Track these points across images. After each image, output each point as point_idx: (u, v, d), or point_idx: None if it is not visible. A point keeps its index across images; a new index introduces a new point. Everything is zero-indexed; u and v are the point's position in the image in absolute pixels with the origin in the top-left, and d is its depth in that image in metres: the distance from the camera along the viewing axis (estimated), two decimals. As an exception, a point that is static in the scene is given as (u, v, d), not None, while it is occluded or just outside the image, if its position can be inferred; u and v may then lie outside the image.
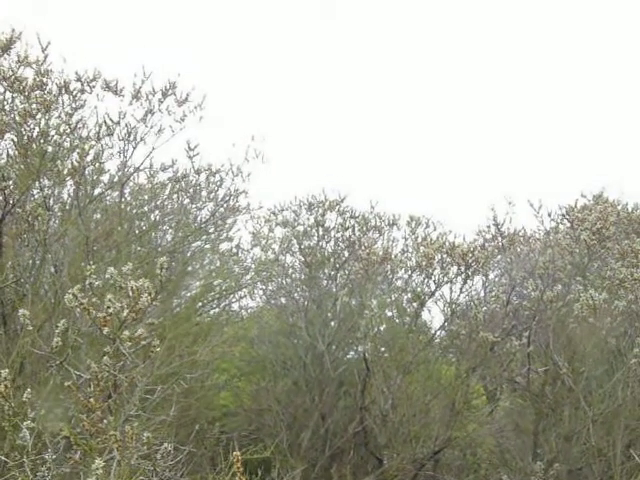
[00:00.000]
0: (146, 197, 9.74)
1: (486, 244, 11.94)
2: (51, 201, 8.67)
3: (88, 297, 5.19)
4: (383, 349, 11.86)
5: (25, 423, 4.94)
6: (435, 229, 12.19)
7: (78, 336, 5.90)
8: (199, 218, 10.04)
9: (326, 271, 12.31)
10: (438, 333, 12.28)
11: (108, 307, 5.01)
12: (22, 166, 8.08)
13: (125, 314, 5.07)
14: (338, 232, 12.22)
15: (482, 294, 11.85)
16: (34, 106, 8.21)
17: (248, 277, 11.38)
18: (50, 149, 8.22)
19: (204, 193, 9.89)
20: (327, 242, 12.30)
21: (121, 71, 9.11)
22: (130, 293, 5.07)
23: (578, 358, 10.63)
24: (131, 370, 5.26)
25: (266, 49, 20.99)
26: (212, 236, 10.46)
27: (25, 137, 8.00)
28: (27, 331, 6.39)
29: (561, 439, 10.47)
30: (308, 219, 12.20)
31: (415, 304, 11.82)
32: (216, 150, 9.75)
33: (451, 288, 11.77)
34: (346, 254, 12.19)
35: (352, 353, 12.65)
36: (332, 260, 12.23)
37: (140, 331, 5.10)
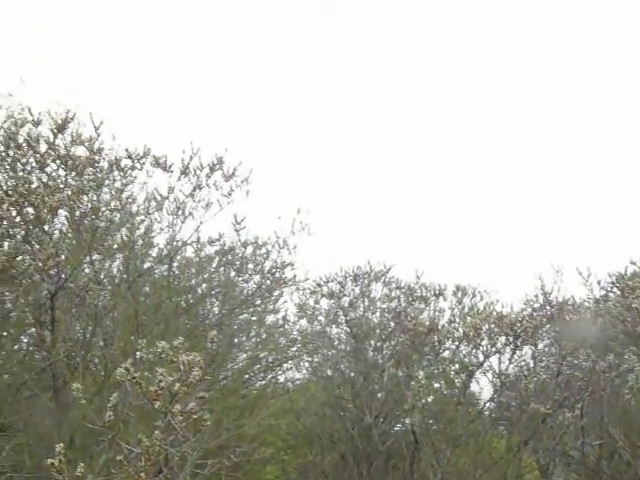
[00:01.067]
0: (193, 270, 9.85)
1: (534, 313, 11.78)
2: (101, 275, 8.82)
3: (140, 371, 5.23)
4: (431, 421, 11.68)
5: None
6: (482, 299, 12.11)
7: (129, 410, 5.92)
8: (245, 290, 10.11)
9: (372, 342, 12.24)
10: (487, 405, 12.09)
11: (160, 381, 5.04)
12: (74, 241, 8.25)
13: (176, 388, 5.08)
14: (384, 303, 12.20)
15: (531, 364, 11.67)
16: (86, 183, 8.43)
17: (294, 349, 11.36)
18: (101, 224, 8.40)
19: (250, 266, 9.98)
20: (373, 313, 12.28)
21: (167, 143, 9.33)
22: (181, 367, 5.10)
23: (635, 431, 10.36)
24: (182, 444, 5.25)
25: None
26: (258, 308, 10.51)
27: (77, 213, 8.19)
28: (79, 404, 6.44)
29: (620, 515, 10.14)
30: (353, 290, 12.20)
31: (463, 375, 11.66)
32: (261, 221, 9.87)
33: (500, 359, 11.64)
34: (392, 325, 12.12)
35: (399, 426, 12.48)
36: (378, 331, 12.17)
37: (191, 405, 5.10)
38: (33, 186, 8.25)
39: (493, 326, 11.34)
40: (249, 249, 9.78)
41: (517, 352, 11.38)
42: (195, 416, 5.11)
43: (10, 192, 8.12)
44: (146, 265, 9.15)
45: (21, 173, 8.54)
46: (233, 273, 9.97)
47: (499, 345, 11.56)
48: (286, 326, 11.38)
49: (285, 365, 11.53)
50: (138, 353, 5.50)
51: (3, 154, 8.54)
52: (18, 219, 8.21)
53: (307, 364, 12.50)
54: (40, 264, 7.85)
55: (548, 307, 11.74)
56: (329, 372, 12.44)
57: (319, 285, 12.19)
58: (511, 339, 11.21)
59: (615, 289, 11.34)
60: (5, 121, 8.49)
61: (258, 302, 10.46)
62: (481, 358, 11.44)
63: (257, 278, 10.06)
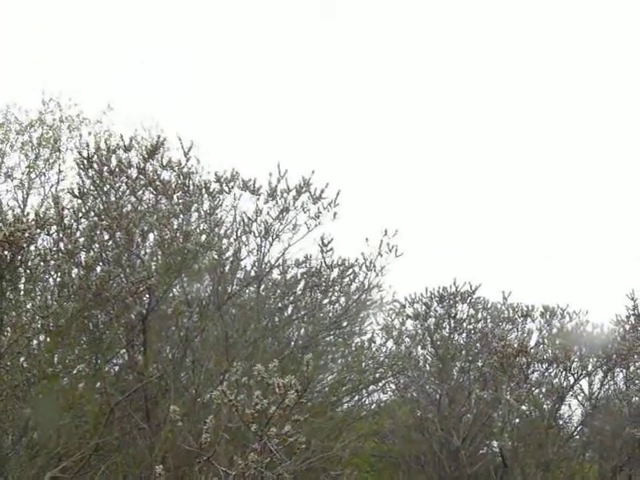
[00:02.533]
0: (280, 292, 9.89)
1: (627, 335, 11.46)
2: (191, 297, 8.94)
3: (235, 394, 5.27)
4: (520, 444, 11.46)
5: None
6: (571, 320, 11.85)
7: (223, 432, 5.97)
8: (332, 313, 10.10)
9: (458, 364, 12.09)
10: (579, 429, 11.80)
11: (256, 404, 5.07)
12: (165, 265, 8.40)
13: (272, 411, 5.11)
14: (470, 324, 12.04)
15: (623, 387, 11.35)
16: (176, 207, 8.59)
17: (381, 371, 11.28)
18: (191, 247, 8.52)
19: (337, 287, 9.96)
20: (459, 334, 12.13)
21: (252, 165, 9.44)
22: (277, 390, 5.12)
23: None
24: (277, 466, 5.26)
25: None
26: (345, 330, 10.48)
27: (168, 236, 8.34)
28: (172, 425, 6.53)
29: None
30: (438, 311, 12.08)
31: (553, 398, 11.42)
32: (347, 242, 9.87)
33: (590, 381, 11.36)
34: (479, 346, 11.95)
35: (487, 449, 12.29)
36: (464, 352, 12.01)
37: (287, 428, 5.12)
38: (125, 210, 8.45)
39: (583, 348, 11.09)
40: (335, 271, 9.76)
41: (609, 374, 11.09)
42: (291, 439, 5.13)
43: (103, 216, 8.33)
44: (234, 287, 9.23)
45: (113, 198, 8.76)
46: (320, 295, 9.97)
47: (590, 367, 11.29)
48: (372, 348, 11.32)
49: (371, 387, 11.47)
50: (231, 375, 5.56)
51: (97, 180, 8.78)
52: (110, 243, 8.41)
53: (393, 386, 12.41)
54: (132, 287, 8.01)
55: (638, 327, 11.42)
56: (415, 394, 12.32)
57: (404, 306, 12.11)
58: (603, 361, 10.93)
59: None
60: (97, 148, 8.73)
61: (344, 324, 10.43)
62: (571, 381, 11.20)
63: (343, 300, 10.02)
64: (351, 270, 9.59)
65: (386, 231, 9.09)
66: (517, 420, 11.57)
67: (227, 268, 9.04)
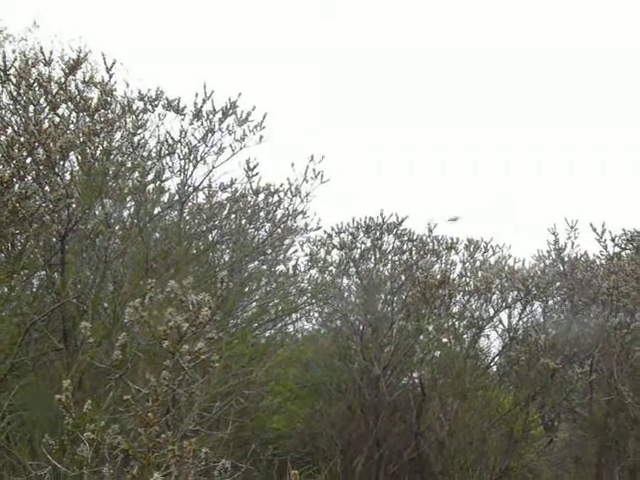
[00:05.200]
0: (204, 217, 9.78)
1: (546, 269, 11.70)
2: (112, 219, 8.76)
3: (148, 311, 5.19)
4: (439, 375, 11.69)
5: (85, 434, 4.93)
6: (494, 253, 12.04)
7: (137, 350, 5.90)
8: (257, 239, 10.05)
9: (382, 295, 12.19)
10: (496, 359, 12.08)
11: (168, 320, 5.00)
12: (85, 184, 8.18)
13: (185, 328, 5.05)
14: (395, 255, 12.11)
15: (542, 320, 11.62)
16: (98, 125, 8.33)
17: (304, 299, 11.33)
18: (113, 168, 8.31)
19: (262, 214, 9.90)
20: (384, 265, 12.20)
21: (179, 87, 9.21)
22: (190, 307, 5.05)
23: (643, 387, 10.34)
24: (190, 385, 5.22)
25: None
26: (269, 257, 10.46)
27: (89, 156, 8.10)
28: (87, 345, 6.44)
29: (625, 473, 10.15)
30: (365, 242, 12.11)
31: (473, 329, 11.64)
32: (274, 169, 9.78)
33: (510, 314, 11.60)
34: (403, 278, 12.05)
35: (407, 378, 12.50)
36: (389, 284, 12.11)
37: (199, 345, 5.07)
38: (44, 127, 8.15)
39: (504, 281, 11.28)
40: (261, 196, 9.68)
41: (528, 307, 11.33)
42: (203, 357, 5.08)
43: (21, 132, 8.03)
44: (157, 210, 9.08)
45: (32, 113, 8.44)
46: (244, 221, 9.89)
47: (510, 300, 11.52)
48: (296, 276, 11.34)
49: (294, 315, 11.52)
50: (147, 294, 5.46)
51: (14, 94, 8.44)
52: (29, 160, 8.13)
53: (317, 314, 12.50)
54: (50, 205, 7.79)
55: (560, 263, 11.68)
56: (338, 323, 12.42)
57: (330, 236, 12.11)
58: (522, 294, 11.15)
59: (630, 246, 11.25)
60: (15, 59, 8.39)
61: (269, 251, 10.40)
62: (491, 312, 11.41)
63: (268, 226, 9.97)
64: (276, 195, 9.51)
65: (312, 157, 9.02)
66: (438, 351, 11.74)
67: (150, 190, 8.86)
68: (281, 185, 9.46)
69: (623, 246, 11.46)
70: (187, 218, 9.62)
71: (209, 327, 5.33)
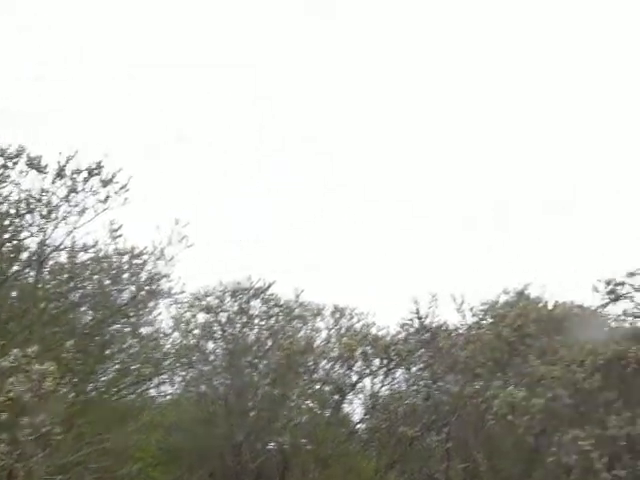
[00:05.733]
0: (65, 277, 9.49)
1: (409, 337, 11.95)
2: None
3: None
4: (302, 442, 11.66)
5: None
6: (359, 321, 12.18)
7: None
8: (119, 300, 9.81)
9: (248, 359, 12.12)
10: (359, 426, 12.17)
11: (9, 391, 4.80)
12: None
13: (27, 398, 4.86)
14: (262, 320, 12.10)
15: (404, 387, 11.82)
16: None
17: (167, 363, 11.10)
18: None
19: (126, 275, 9.70)
20: (251, 330, 12.15)
21: (44, 145, 8.98)
22: (33, 376, 4.88)
23: (497, 455, 10.61)
24: (30, 459, 5.01)
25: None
26: (132, 319, 10.21)
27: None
28: None
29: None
30: (232, 306, 12.05)
31: (336, 396, 11.71)
32: (140, 231, 9.63)
33: (373, 380, 11.75)
34: (269, 343, 12.05)
35: (273, 444, 12.40)
36: (255, 349, 12.07)
37: (41, 417, 4.88)
38: None
39: (368, 348, 11.45)
40: (125, 258, 9.49)
41: (390, 375, 11.51)
42: (44, 429, 4.90)
43: None
44: (14, 269, 8.75)
45: None
46: (108, 281, 9.65)
47: (373, 367, 11.68)
48: (160, 339, 11.12)
49: (156, 380, 11.26)
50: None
51: None
52: None
53: (180, 378, 12.25)
54: None
55: (423, 332, 11.94)
56: (203, 387, 12.23)
57: (197, 299, 11.99)
58: (385, 362, 11.34)
59: (487, 317, 11.64)
60: None
61: (132, 313, 10.16)
62: (354, 379, 11.54)
63: (132, 288, 9.76)
64: (141, 258, 9.36)
65: (177, 220, 8.95)
66: (301, 417, 11.73)
67: (7, 248, 8.54)
68: (145, 247, 9.32)
69: (481, 317, 11.86)
70: (47, 278, 9.31)
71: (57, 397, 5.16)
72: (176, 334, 11.28)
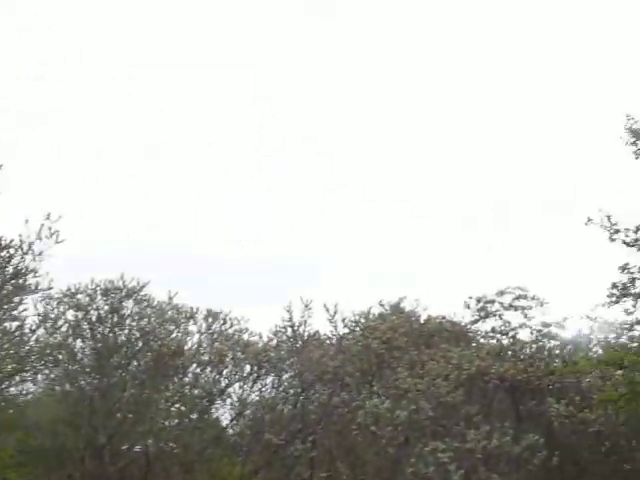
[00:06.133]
0: None
1: (281, 345, 11.99)
2: None
3: None
4: (171, 444, 11.53)
5: None
6: (232, 325, 12.11)
7: None
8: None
9: (117, 360, 11.87)
10: (227, 431, 12.12)
11: None
12: None
13: None
14: (134, 321, 11.87)
15: (273, 394, 11.84)
16: None
17: (31, 359, 10.74)
18: None
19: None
20: (121, 330, 11.90)
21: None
22: None
23: (360, 465, 10.76)
24: None
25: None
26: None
27: None
28: None
29: None
30: (104, 305, 11.77)
31: (205, 400, 11.62)
32: (6, 223, 9.31)
33: (242, 386, 11.72)
34: (140, 344, 11.84)
35: (139, 447, 12.19)
36: (125, 349, 11.83)
37: None
38: None
39: (239, 353, 11.43)
40: (-10, 250, 9.14)
41: (259, 381, 11.52)
42: None
43: None
44: None
45: None
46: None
47: (244, 373, 11.66)
48: (24, 336, 10.73)
49: (18, 377, 10.87)
50: None
51: None
52: None
53: (44, 377, 11.87)
54: None
55: (294, 340, 12.00)
56: (67, 387, 11.89)
57: (67, 295, 11.66)
58: (255, 368, 11.34)
59: (358, 328, 11.81)
60: None
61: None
62: (224, 384, 11.48)
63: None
64: (6, 252, 9.04)
65: (49, 215, 8.70)
66: (168, 420, 11.60)
67: None
68: (11, 241, 9.00)
69: (352, 328, 12.02)
70: None
71: None
72: (40, 331, 10.93)
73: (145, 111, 22.20)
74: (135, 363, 11.87)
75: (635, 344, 9.50)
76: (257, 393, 11.66)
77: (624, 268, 9.64)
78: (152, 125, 21.32)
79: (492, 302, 18.10)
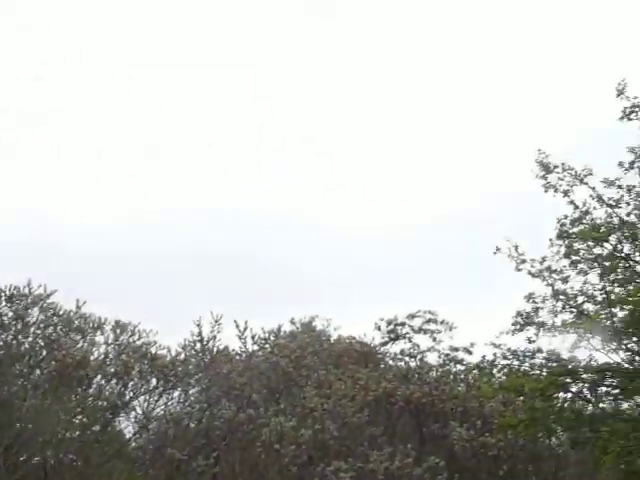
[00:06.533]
0: None
1: (189, 359, 11.88)
2: None
3: None
4: (71, 457, 11.27)
5: None
6: (140, 338, 11.92)
7: None
8: None
9: (19, 368, 11.56)
10: (130, 444, 11.92)
11: None
12: None
13: None
14: (39, 329, 11.58)
15: (179, 409, 11.72)
16: None
17: None
18: None
19: None
20: (25, 338, 11.59)
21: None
22: None
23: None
24: None
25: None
26: None
27: None
28: None
29: None
30: (8, 311, 11.45)
31: (109, 413, 11.42)
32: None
33: (148, 399, 11.56)
34: (44, 353, 11.56)
35: (38, 459, 11.87)
36: (28, 358, 11.53)
37: None
38: None
39: (146, 366, 11.28)
40: None
41: (166, 395, 11.39)
42: None
43: None
44: None
45: None
46: None
47: (150, 386, 11.51)
48: None
49: None
50: None
51: None
52: None
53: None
54: None
55: (203, 354, 11.90)
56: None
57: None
58: (162, 382, 11.21)
59: (267, 345, 11.82)
60: None
61: None
62: (129, 397, 11.30)
63: None
64: None
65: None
66: (69, 432, 11.34)
67: None
68: None
69: (261, 345, 12.02)
70: None
71: None
72: None
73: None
74: (38, 372, 11.57)
75: (536, 372, 9.75)
76: (163, 407, 11.48)
77: (529, 297, 9.89)
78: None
79: (402, 325, 18.40)
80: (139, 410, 11.49)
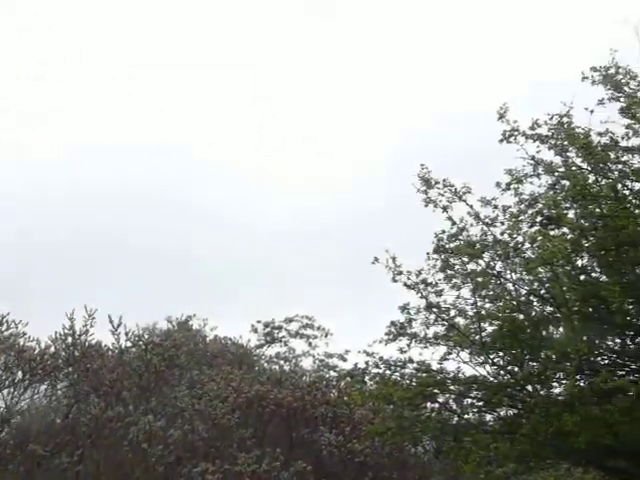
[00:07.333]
0: None
1: (59, 353, 11.53)
2: None
3: None
4: None
5: None
6: (9, 328, 11.48)
7: None
8: None
9: None
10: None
11: None
12: None
13: None
14: None
15: (44, 403, 11.37)
16: None
17: None
18: None
19: None
20: None
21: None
22: None
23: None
24: None
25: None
26: None
27: None
28: None
29: None
30: None
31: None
32: None
33: (12, 392, 11.15)
34: None
35: None
36: None
37: None
38: None
39: (12, 358, 10.89)
40: None
41: (32, 389, 11.02)
42: None
43: None
44: None
45: None
46: None
47: (15, 379, 11.12)
48: None
49: None
50: None
51: None
52: None
53: None
54: None
55: (73, 348, 11.57)
56: None
57: None
58: (28, 375, 10.85)
59: (141, 342, 11.63)
60: None
61: None
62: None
63: None
64: None
65: None
66: None
67: None
68: None
69: (134, 342, 11.80)
70: None
71: None
72: None
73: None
74: None
75: (406, 381, 9.95)
76: (28, 401, 11.10)
77: (404, 308, 10.09)
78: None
79: (279, 328, 18.55)
80: (1, 403, 11.05)
